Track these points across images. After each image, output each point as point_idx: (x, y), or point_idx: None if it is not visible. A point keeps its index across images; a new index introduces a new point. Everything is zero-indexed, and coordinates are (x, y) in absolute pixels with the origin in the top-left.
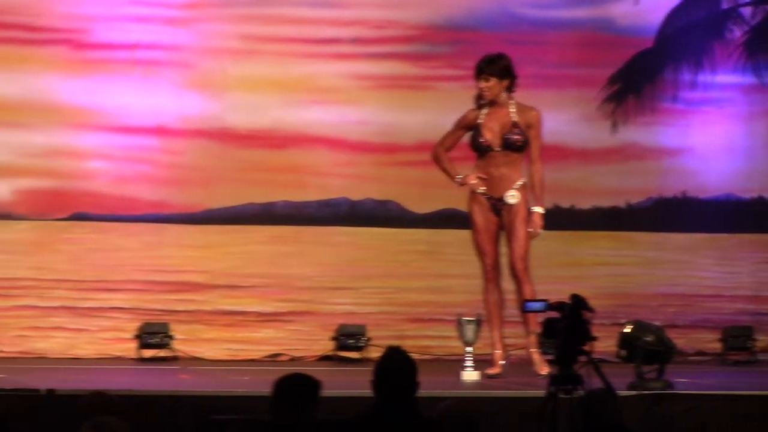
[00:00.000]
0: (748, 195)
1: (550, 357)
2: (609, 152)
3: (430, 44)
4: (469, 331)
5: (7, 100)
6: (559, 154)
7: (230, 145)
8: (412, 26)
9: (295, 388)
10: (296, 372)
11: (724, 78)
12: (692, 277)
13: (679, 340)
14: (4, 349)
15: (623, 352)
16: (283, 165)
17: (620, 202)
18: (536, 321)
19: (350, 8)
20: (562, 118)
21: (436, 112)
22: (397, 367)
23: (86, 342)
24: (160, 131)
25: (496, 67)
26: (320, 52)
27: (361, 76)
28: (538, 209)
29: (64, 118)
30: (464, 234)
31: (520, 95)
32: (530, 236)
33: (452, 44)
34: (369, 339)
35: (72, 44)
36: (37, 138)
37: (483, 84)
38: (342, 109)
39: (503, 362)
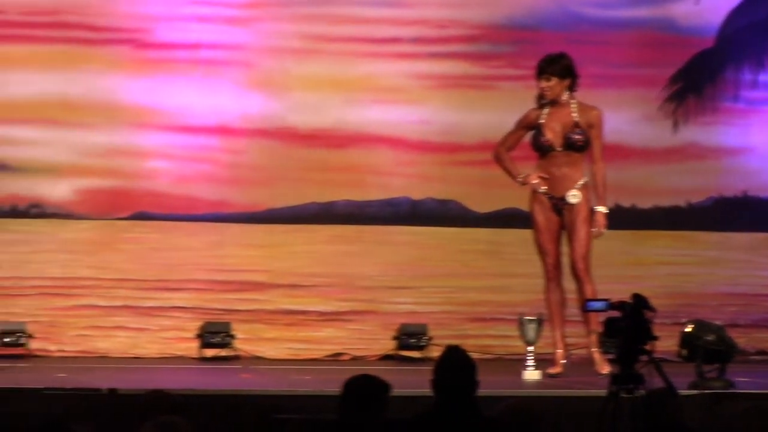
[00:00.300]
0: None
1: (611, 356)
2: (670, 152)
3: (492, 44)
4: (531, 330)
5: (69, 99)
6: (620, 153)
7: (291, 145)
8: (474, 26)
9: (364, 389)
10: (365, 374)
11: None
12: (753, 276)
13: (740, 339)
14: (65, 349)
15: (684, 352)
16: (344, 164)
17: (681, 202)
18: (597, 320)
19: (412, 8)
20: (624, 117)
21: (498, 111)
22: (456, 366)
23: (148, 341)
24: (222, 131)
25: (557, 67)
26: (381, 51)
27: (423, 75)
28: (602, 209)
29: (126, 118)
30: (525, 233)
31: (582, 95)
32: (594, 236)
33: (513, 44)
34: (430, 338)
35: (134, 44)
36: (99, 138)
37: (544, 83)
38: (403, 108)
39: (564, 361)
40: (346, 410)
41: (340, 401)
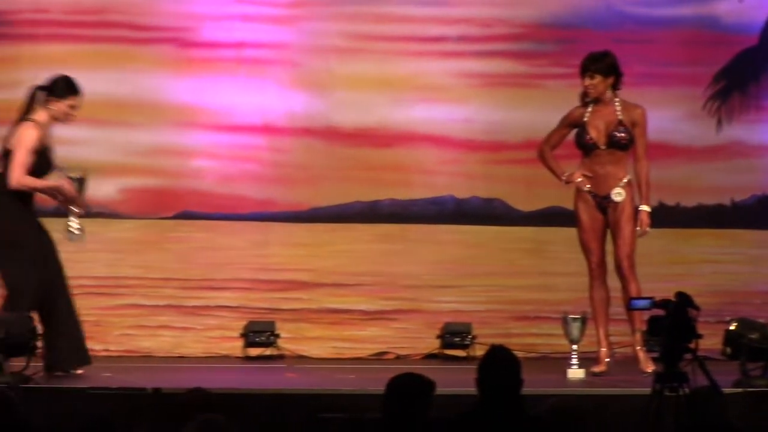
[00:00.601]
0: None
1: (654, 354)
2: (714, 150)
3: (537, 42)
4: (575, 328)
5: (114, 98)
6: (664, 152)
7: (336, 144)
8: (519, 24)
9: (408, 387)
10: (409, 372)
11: None
12: None
13: None
14: (110, 348)
15: (728, 350)
16: (389, 163)
17: (725, 200)
18: (642, 319)
19: (457, 6)
20: (668, 115)
21: (542, 110)
22: (501, 364)
23: (192, 341)
24: (266, 130)
25: (601, 65)
26: (426, 50)
27: (467, 74)
28: (646, 208)
29: (170, 117)
30: (570, 232)
31: (625, 93)
32: (638, 235)
33: (558, 42)
34: (474, 337)
35: (178, 43)
36: (143, 137)
37: (588, 81)
38: (448, 107)
39: (608, 360)
40: (390, 408)
41: (384, 399)
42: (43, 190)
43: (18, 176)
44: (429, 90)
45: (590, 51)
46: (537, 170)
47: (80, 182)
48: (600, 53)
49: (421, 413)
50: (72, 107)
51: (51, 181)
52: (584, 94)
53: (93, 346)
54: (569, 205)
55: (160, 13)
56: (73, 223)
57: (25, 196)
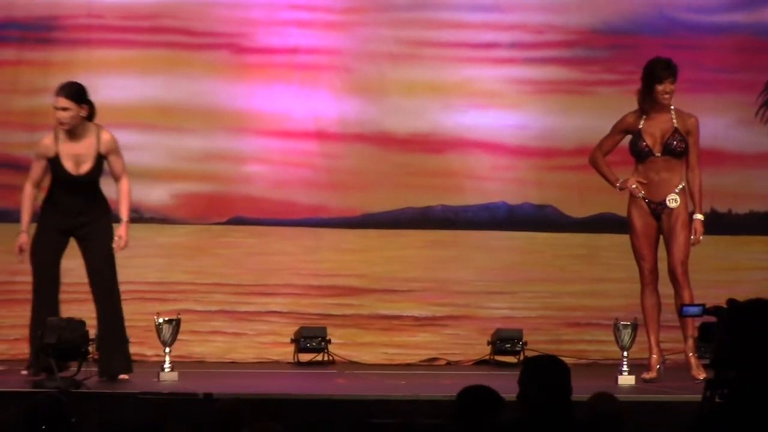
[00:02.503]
0: None
1: (706, 361)
2: (766, 157)
3: (589, 49)
4: (626, 335)
5: (167, 104)
6: (716, 158)
7: (388, 149)
8: (571, 31)
9: (478, 400)
10: (480, 385)
11: None
12: None
13: None
14: (162, 353)
15: None
16: (441, 169)
17: None
18: (694, 325)
19: (510, 12)
20: (720, 122)
21: (594, 116)
22: (543, 373)
23: (244, 346)
24: (319, 135)
25: (676, 72)
26: (479, 56)
27: (520, 80)
28: (700, 216)
29: (223, 122)
30: (621, 238)
31: (678, 99)
32: (692, 243)
33: (610, 48)
34: (526, 343)
35: (232, 48)
36: (196, 142)
37: (669, 87)
38: (500, 113)
39: (659, 367)
40: (459, 418)
41: (454, 409)
42: None
43: None
44: (481, 96)
45: (643, 57)
46: (589, 176)
47: None
48: (670, 60)
49: (487, 425)
50: (55, 108)
51: None
52: (647, 99)
53: (145, 351)
54: (621, 211)
55: (214, 19)
56: None
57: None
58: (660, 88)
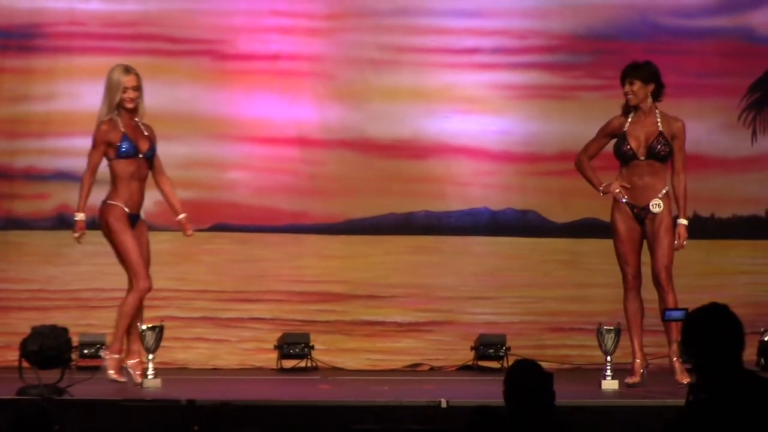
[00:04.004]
0: None
1: (689, 366)
2: (749, 161)
3: (571, 54)
4: (609, 340)
5: (149, 110)
6: (699, 163)
7: (371, 155)
8: (554, 36)
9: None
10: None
11: None
12: None
13: None
14: (144, 360)
15: (763, 360)
16: (423, 175)
17: (760, 211)
18: (678, 329)
19: (492, 18)
20: (703, 127)
21: (577, 121)
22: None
23: (227, 353)
24: (301, 142)
25: (642, 72)
26: (461, 62)
27: (502, 85)
28: (684, 221)
29: (205, 129)
30: (604, 243)
31: (661, 104)
32: (675, 248)
33: (593, 54)
34: (509, 348)
35: (214, 55)
36: (178, 149)
37: (627, 88)
38: (483, 118)
39: (643, 371)
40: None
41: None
42: None
43: None
44: (464, 102)
45: (625, 62)
46: (572, 182)
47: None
48: (642, 61)
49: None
50: None
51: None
52: (626, 106)
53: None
54: (604, 216)
55: (195, 26)
56: None
57: None
58: (624, 88)
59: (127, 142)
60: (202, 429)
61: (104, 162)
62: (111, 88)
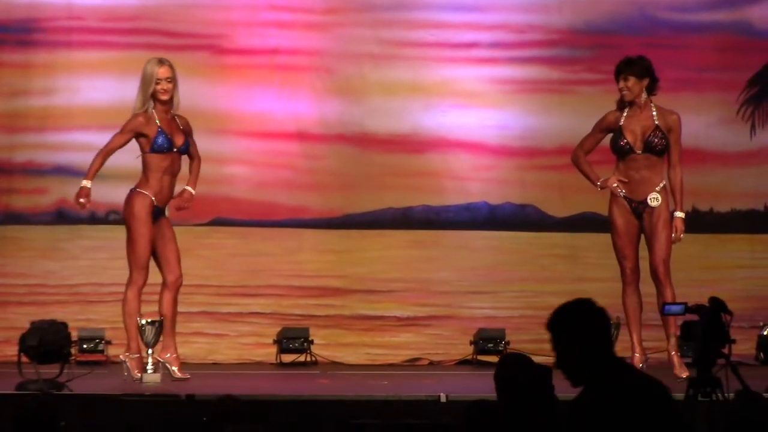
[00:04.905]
0: None
1: (688, 360)
2: (748, 155)
3: (570, 48)
4: None
5: None
6: (698, 157)
7: (369, 150)
8: (552, 30)
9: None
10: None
11: None
12: None
13: None
14: (143, 355)
15: (762, 355)
16: (422, 169)
17: (758, 205)
18: (676, 324)
19: (490, 12)
20: (701, 121)
21: (576, 116)
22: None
23: (226, 347)
24: (300, 136)
25: (636, 68)
26: (460, 56)
27: (501, 80)
28: (680, 214)
29: (204, 124)
30: (603, 237)
31: (660, 99)
32: (673, 241)
33: (592, 48)
34: (508, 343)
35: (213, 50)
36: None
37: (622, 84)
38: (481, 113)
39: (642, 365)
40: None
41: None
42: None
43: None
44: (462, 96)
45: (624, 56)
46: (570, 176)
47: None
48: (635, 57)
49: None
50: None
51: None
52: (621, 101)
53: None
54: (602, 210)
55: (194, 20)
56: None
57: None
58: (618, 84)
59: (163, 137)
60: (210, 420)
61: (133, 154)
62: (145, 80)
